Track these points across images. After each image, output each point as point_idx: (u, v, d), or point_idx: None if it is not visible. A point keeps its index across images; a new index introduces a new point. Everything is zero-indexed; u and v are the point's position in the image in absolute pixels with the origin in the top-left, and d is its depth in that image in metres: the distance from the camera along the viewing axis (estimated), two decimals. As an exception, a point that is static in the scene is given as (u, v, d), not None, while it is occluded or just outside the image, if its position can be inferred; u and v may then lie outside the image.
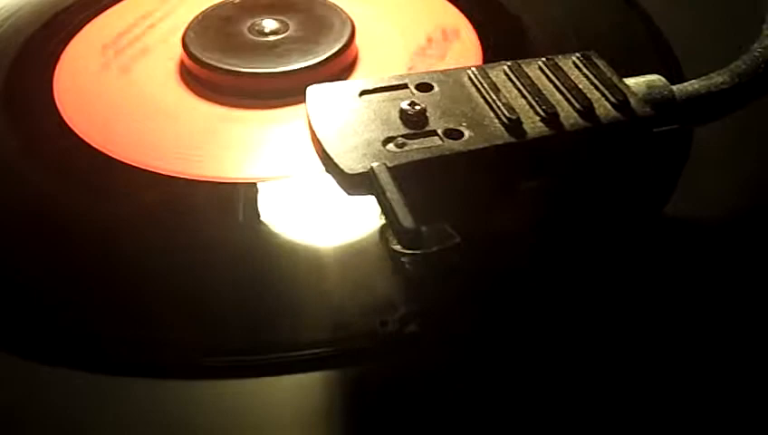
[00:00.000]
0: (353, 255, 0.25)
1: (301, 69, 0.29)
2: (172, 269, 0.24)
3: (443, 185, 0.22)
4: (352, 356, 0.22)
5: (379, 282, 0.24)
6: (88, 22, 0.33)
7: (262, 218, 0.26)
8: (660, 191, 0.25)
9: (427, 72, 0.24)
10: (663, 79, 0.24)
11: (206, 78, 0.30)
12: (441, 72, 0.24)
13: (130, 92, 0.30)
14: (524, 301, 0.23)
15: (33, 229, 0.26)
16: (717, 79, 0.24)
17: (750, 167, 0.26)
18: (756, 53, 0.25)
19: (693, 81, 0.24)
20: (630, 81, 0.24)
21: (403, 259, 0.23)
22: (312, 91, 0.23)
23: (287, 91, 0.28)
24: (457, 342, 0.22)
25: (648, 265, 0.24)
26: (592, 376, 0.21)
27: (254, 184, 0.26)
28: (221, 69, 0.29)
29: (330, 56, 0.30)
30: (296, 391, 0.21)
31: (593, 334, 0.22)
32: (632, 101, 0.23)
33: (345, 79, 0.30)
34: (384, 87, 0.23)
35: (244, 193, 0.26)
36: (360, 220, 0.25)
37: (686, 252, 0.24)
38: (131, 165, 0.27)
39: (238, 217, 0.26)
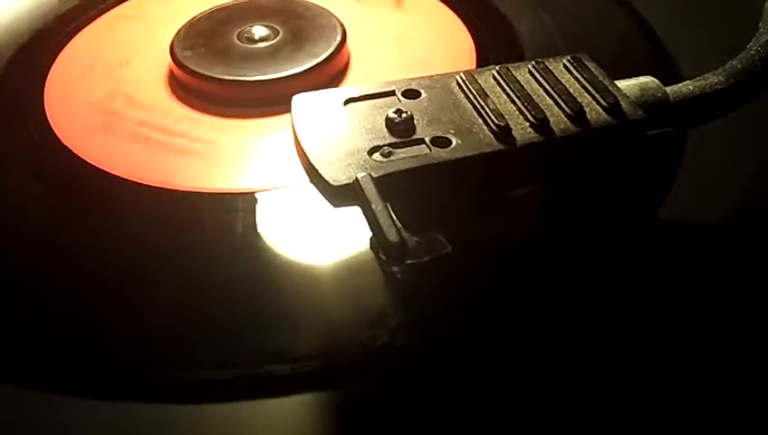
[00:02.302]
0: (344, 266, 0.24)
1: (291, 76, 0.29)
2: (161, 282, 0.24)
3: (431, 194, 0.22)
4: (343, 370, 0.22)
5: (370, 294, 0.24)
6: (74, 35, 0.33)
7: (252, 230, 0.25)
8: (654, 194, 0.25)
9: (415, 79, 0.23)
10: (656, 81, 0.24)
11: (195, 87, 0.29)
12: (429, 77, 0.23)
13: (119, 104, 0.30)
14: (518, 306, 0.23)
15: (31, 247, 0.26)
16: (712, 79, 0.24)
17: (745, 169, 0.26)
18: (752, 52, 0.24)
19: (687, 82, 0.24)
20: (623, 83, 0.23)
21: (394, 269, 0.23)
22: (298, 100, 0.23)
23: (278, 98, 0.28)
24: (449, 352, 0.22)
25: (641, 268, 0.23)
26: (587, 380, 0.21)
27: (244, 195, 0.26)
28: (209, 77, 0.29)
29: (320, 62, 0.29)
30: (286, 414, 0.21)
31: (587, 339, 0.22)
32: (624, 104, 0.22)
33: (337, 85, 0.29)
34: (370, 94, 0.23)
35: (234, 205, 0.26)
36: (352, 231, 0.24)
37: (679, 255, 0.24)
38: (122, 178, 0.27)
39: (228, 228, 0.25)
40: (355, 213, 0.21)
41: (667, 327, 0.22)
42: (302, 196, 0.26)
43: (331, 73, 0.30)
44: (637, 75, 0.24)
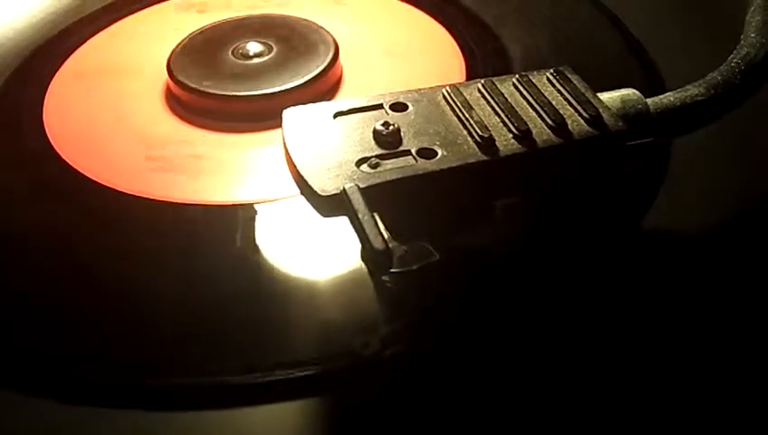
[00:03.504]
0: (336, 275, 0.25)
1: (285, 90, 0.29)
2: (158, 292, 0.25)
3: (418, 204, 0.22)
4: (334, 377, 0.22)
5: (362, 303, 0.24)
6: (74, 51, 0.34)
7: (246, 241, 0.26)
8: (638, 204, 0.25)
9: (403, 92, 0.24)
10: (637, 93, 0.24)
11: (191, 102, 0.30)
12: (416, 91, 0.24)
13: (117, 119, 0.30)
14: (507, 314, 0.23)
15: (31, 256, 0.26)
16: (693, 91, 0.24)
17: (727, 179, 0.26)
18: (732, 65, 0.25)
19: (668, 93, 0.24)
20: (604, 95, 0.24)
21: (384, 278, 0.24)
22: (288, 113, 0.24)
23: (272, 113, 0.28)
24: (440, 359, 0.22)
25: (625, 277, 0.24)
26: (578, 388, 0.21)
27: (240, 207, 0.26)
28: (205, 93, 0.29)
29: (314, 77, 0.30)
30: (279, 419, 0.21)
31: (577, 347, 0.22)
32: (605, 115, 0.23)
33: (330, 99, 0.30)
34: (359, 108, 0.23)
35: (229, 217, 0.26)
36: (343, 242, 0.25)
37: (663, 264, 0.24)
38: (118, 190, 0.27)
39: (223, 240, 0.26)
40: (346, 223, 0.21)
41: (652, 337, 0.22)
42: (295, 208, 0.26)
43: (324, 88, 0.30)
44: (624, 87, 0.24)
